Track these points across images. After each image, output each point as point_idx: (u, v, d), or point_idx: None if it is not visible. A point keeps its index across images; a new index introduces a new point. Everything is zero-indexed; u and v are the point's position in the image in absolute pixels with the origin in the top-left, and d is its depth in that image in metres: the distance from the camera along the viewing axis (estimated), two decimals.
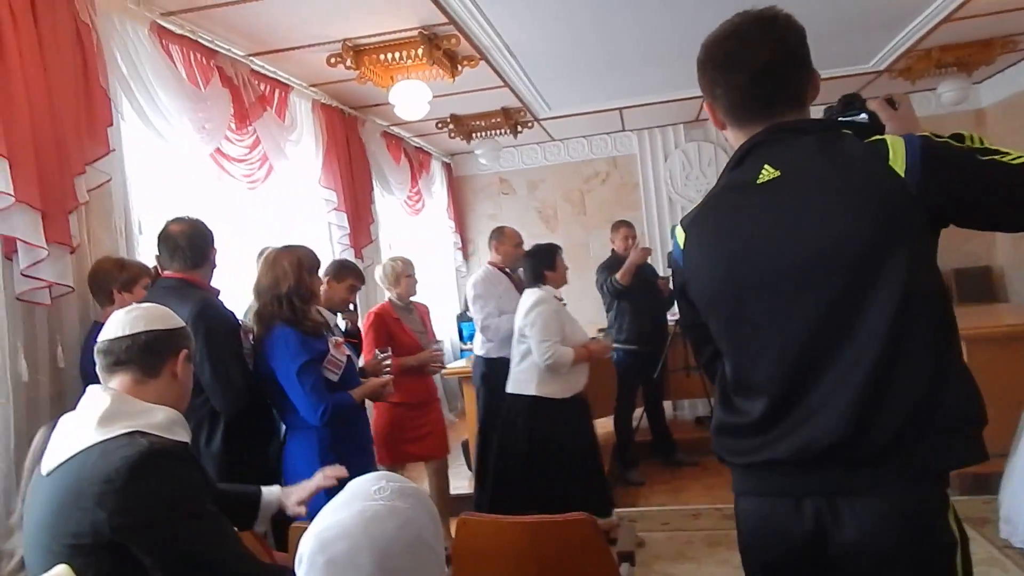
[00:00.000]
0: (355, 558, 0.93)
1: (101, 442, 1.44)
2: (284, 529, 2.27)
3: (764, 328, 1.28)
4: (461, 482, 4.76)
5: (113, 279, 2.68)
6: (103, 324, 1.64)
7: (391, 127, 6.27)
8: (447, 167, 7.97)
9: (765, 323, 1.28)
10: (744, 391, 1.34)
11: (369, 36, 4.19)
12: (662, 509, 4.28)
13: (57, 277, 2.53)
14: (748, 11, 1.33)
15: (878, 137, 1.24)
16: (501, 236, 4.54)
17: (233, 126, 3.91)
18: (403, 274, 3.98)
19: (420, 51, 4.25)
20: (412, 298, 4.11)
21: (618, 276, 4.77)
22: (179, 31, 3.54)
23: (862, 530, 1.20)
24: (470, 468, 5.04)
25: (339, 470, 2.03)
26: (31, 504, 1.50)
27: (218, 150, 3.78)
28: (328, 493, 1.29)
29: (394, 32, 4.15)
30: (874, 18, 4.72)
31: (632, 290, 4.80)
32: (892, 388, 1.18)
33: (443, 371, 4.56)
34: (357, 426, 2.85)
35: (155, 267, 2.81)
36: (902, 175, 1.18)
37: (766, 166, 1.29)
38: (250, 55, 4.17)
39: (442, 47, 4.33)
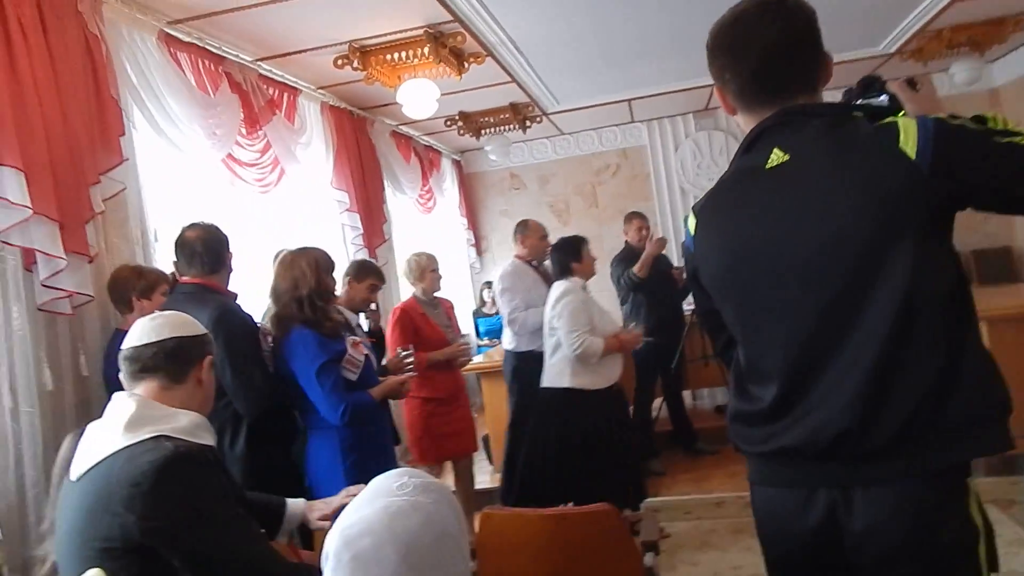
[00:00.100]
0: (380, 554, 0.93)
1: (128, 447, 1.46)
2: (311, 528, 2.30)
3: (772, 315, 1.27)
4: (483, 477, 4.78)
5: (132, 287, 2.71)
6: (124, 332, 1.66)
7: (400, 126, 6.29)
8: (457, 164, 7.98)
9: (773, 310, 1.27)
10: (756, 378, 1.33)
11: (375, 37, 4.21)
12: (685, 498, 4.27)
13: (77, 286, 2.56)
14: None
15: (890, 119, 1.21)
16: (526, 229, 4.53)
17: (243, 131, 3.93)
18: (428, 269, 3.97)
19: (426, 50, 4.26)
20: (436, 293, 4.10)
21: (635, 269, 4.74)
22: (186, 38, 3.57)
23: (877, 522, 1.18)
24: (491, 463, 5.07)
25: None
26: (61, 510, 1.52)
27: (230, 155, 3.80)
28: None
29: (400, 32, 4.15)
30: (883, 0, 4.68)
31: (648, 282, 4.78)
32: (900, 377, 1.16)
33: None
34: (377, 425, 2.86)
35: (173, 273, 2.84)
36: (913, 157, 1.15)
37: (775, 150, 1.27)
38: (258, 60, 4.20)
39: (448, 45, 4.34)
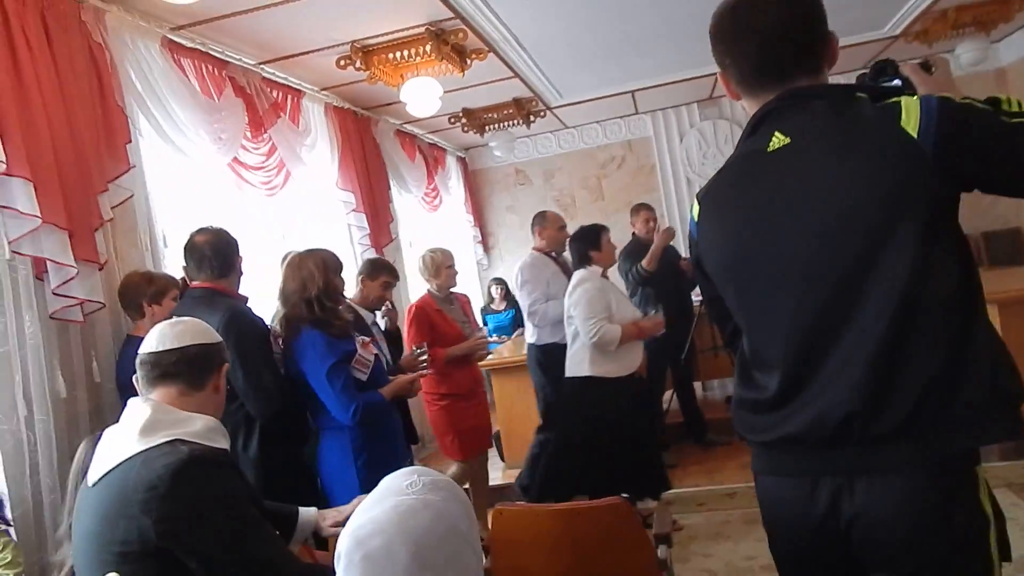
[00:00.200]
0: (391, 552, 0.94)
1: (143, 451, 1.48)
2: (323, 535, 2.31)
3: (776, 301, 1.25)
4: (495, 473, 4.78)
5: (142, 293, 2.73)
6: (137, 337, 1.68)
7: (404, 125, 6.29)
8: (462, 161, 7.98)
9: (776, 296, 1.25)
10: (760, 365, 1.31)
11: (377, 36, 4.21)
12: (697, 490, 4.27)
13: (88, 294, 2.58)
14: None
15: (893, 99, 1.19)
16: (544, 220, 4.52)
17: (249, 135, 3.94)
18: (443, 265, 3.97)
19: (428, 48, 4.26)
20: (452, 289, 4.09)
21: (644, 263, 4.72)
22: (190, 44, 3.58)
23: (882, 512, 1.16)
24: (503, 459, 5.08)
25: None
26: (79, 515, 1.54)
27: (236, 159, 3.82)
28: (364, 491, 1.31)
29: (401, 30, 4.16)
30: None
31: (657, 274, 4.76)
32: (906, 362, 1.13)
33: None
34: (388, 424, 2.88)
35: (183, 278, 2.86)
36: (915, 137, 1.12)
37: (776, 134, 1.26)
38: (261, 63, 4.21)
39: (450, 42, 4.34)
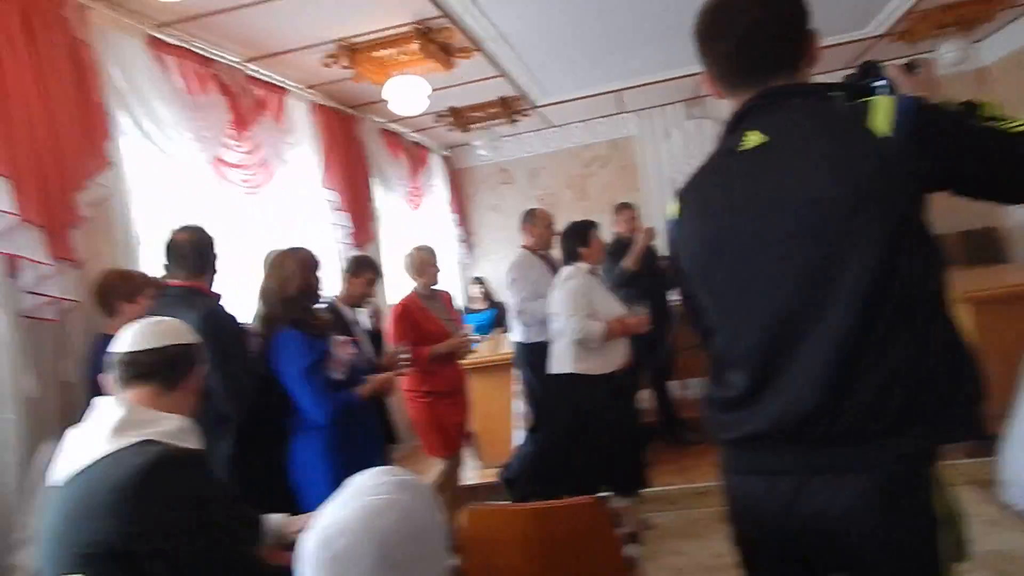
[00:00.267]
0: (358, 552, 0.94)
1: (114, 452, 1.46)
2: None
3: (746, 298, 1.26)
4: (471, 473, 4.79)
5: (118, 291, 2.71)
6: (107, 336, 1.66)
7: (389, 123, 6.27)
8: (446, 160, 7.96)
9: (746, 293, 1.26)
10: (730, 364, 1.32)
11: (363, 34, 4.19)
12: (669, 489, 4.26)
13: (63, 292, 2.56)
14: None
15: (866, 98, 1.20)
16: (533, 218, 4.52)
17: (232, 132, 3.92)
18: (428, 263, 3.97)
19: (415, 46, 4.24)
20: (435, 286, 4.09)
21: (626, 263, 4.73)
22: (174, 41, 3.55)
23: (837, 510, 1.17)
24: (479, 459, 5.07)
25: None
26: (44, 516, 1.52)
27: (218, 157, 3.79)
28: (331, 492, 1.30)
29: (388, 29, 4.14)
30: None
31: (638, 274, 4.77)
32: (868, 360, 1.14)
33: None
34: (364, 424, 2.86)
35: (158, 276, 2.84)
36: (885, 136, 1.13)
37: (754, 132, 1.27)
38: (245, 61, 4.18)
39: (436, 40, 4.33)
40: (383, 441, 3.51)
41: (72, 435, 1.56)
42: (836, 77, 1.44)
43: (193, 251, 2.65)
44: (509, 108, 6.43)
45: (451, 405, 3.93)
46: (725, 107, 1.37)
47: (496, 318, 6.78)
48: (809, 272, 1.18)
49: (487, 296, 7.33)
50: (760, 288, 1.24)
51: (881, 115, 1.14)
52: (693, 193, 1.40)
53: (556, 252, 4.42)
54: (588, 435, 3.49)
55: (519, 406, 4.84)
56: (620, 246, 4.93)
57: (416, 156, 6.92)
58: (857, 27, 5.68)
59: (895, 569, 1.17)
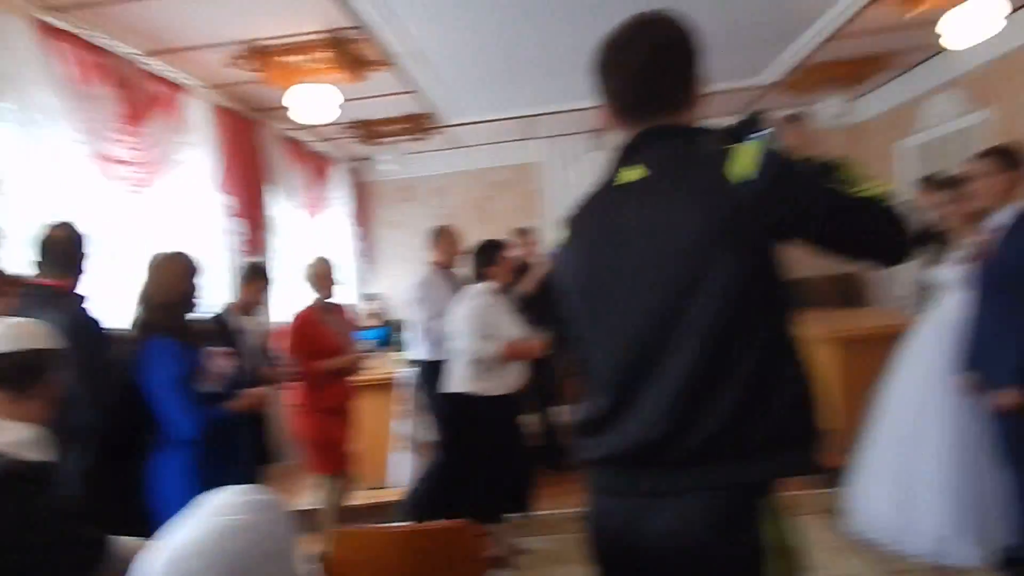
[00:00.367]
0: (208, 574, 0.91)
1: None
2: None
3: (610, 325, 1.32)
4: (352, 494, 4.63)
5: None
6: None
7: (293, 131, 6.09)
8: (351, 172, 7.82)
9: (611, 320, 1.32)
10: (595, 388, 1.38)
11: (273, 38, 4.06)
12: (546, 513, 4.22)
13: None
14: (640, 14, 1.35)
15: (733, 145, 1.27)
16: (441, 236, 4.46)
17: (121, 127, 3.69)
18: (327, 275, 3.85)
19: (326, 54, 4.15)
20: (333, 299, 3.96)
21: (523, 287, 4.77)
22: (66, 27, 3.31)
23: (673, 531, 1.23)
24: (361, 480, 4.93)
25: None
26: None
27: (103, 152, 3.56)
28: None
29: (300, 34, 4.03)
30: (765, 33, 4.97)
31: (535, 298, 4.81)
32: (710, 394, 1.20)
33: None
34: (235, 441, 2.74)
35: (25, 274, 2.63)
36: (741, 183, 1.20)
37: (636, 167, 1.33)
38: (144, 53, 3.95)
39: (350, 51, 4.25)
40: (257, 459, 3.37)
41: None
42: (733, 119, 1.52)
43: (67, 250, 2.52)
44: (418, 125, 6.39)
45: (339, 422, 3.82)
46: (621, 140, 1.42)
47: (388, 336, 6.66)
48: (666, 305, 1.24)
49: (380, 313, 7.21)
50: (623, 317, 1.29)
51: (741, 163, 1.21)
52: (576, 221, 1.44)
53: (463, 270, 4.42)
54: (480, 456, 3.48)
55: (401, 427, 4.76)
56: (519, 270, 4.97)
57: (319, 166, 6.76)
58: (751, 75, 6.05)
59: None
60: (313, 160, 6.63)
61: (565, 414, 5.96)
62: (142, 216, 4.12)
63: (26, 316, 1.68)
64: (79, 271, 2.58)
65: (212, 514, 0.98)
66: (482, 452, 3.49)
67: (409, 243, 8.11)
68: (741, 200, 1.19)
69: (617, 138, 1.41)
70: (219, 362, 2.65)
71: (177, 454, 2.53)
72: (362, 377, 4.71)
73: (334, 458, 3.79)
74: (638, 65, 1.32)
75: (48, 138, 3.17)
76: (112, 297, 3.21)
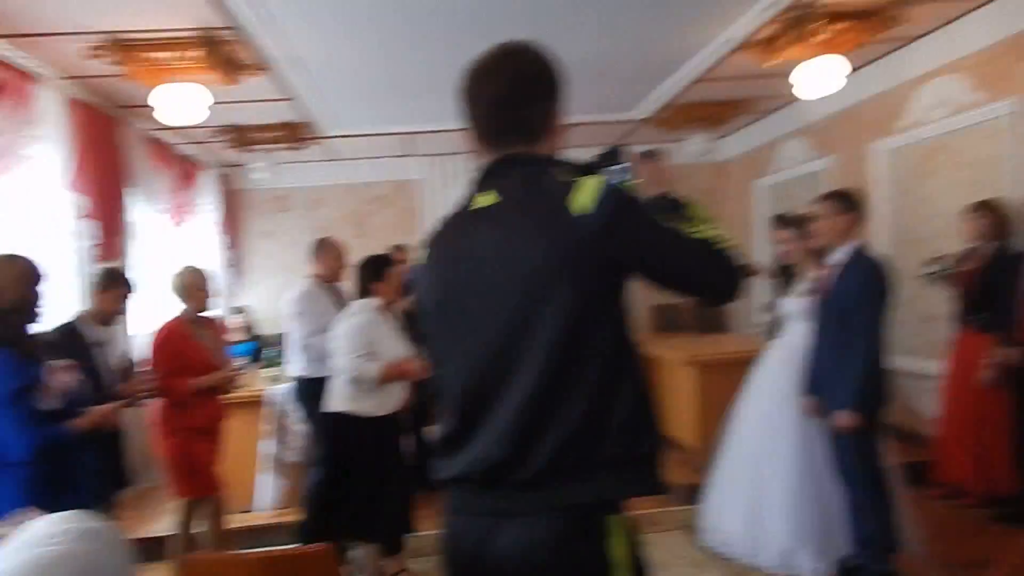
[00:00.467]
0: None
1: None
2: None
3: (460, 348, 1.35)
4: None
5: None
6: None
7: (159, 131, 5.76)
8: (221, 179, 7.48)
9: (461, 343, 1.35)
10: (448, 407, 1.40)
11: (139, 31, 3.84)
12: (423, 535, 4.06)
13: None
14: (505, 43, 1.39)
15: (577, 178, 1.32)
16: (324, 248, 4.30)
17: None
18: (198, 287, 3.59)
19: (197, 53, 3.97)
20: (205, 312, 3.71)
21: (406, 304, 4.72)
22: None
23: (519, 551, 1.26)
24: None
25: None
26: None
27: None
28: None
29: (169, 30, 3.83)
30: (638, 71, 5.22)
31: (413, 316, 4.78)
32: (549, 417, 1.25)
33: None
34: (76, 463, 2.54)
35: None
36: (582, 215, 1.25)
37: (485, 194, 1.36)
38: None
39: (223, 52, 4.09)
40: (113, 482, 3.16)
41: None
42: (596, 152, 1.59)
43: None
44: (295, 134, 6.22)
45: (207, 443, 3.61)
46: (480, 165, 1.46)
47: (256, 351, 6.38)
48: (509, 330, 1.28)
49: (248, 327, 6.91)
50: (472, 339, 1.33)
51: (583, 196, 1.25)
52: (434, 242, 1.46)
53: (346, 285, 4.32)
54: (360, 478, 3.39)
55: (268, 447, 4.59)
56: (406, 286, 4.92)
57: (186, 170, 6.42)
58: (625, 110, 6.33)
59: None
60: (180, 163, 6.30)
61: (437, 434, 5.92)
62: None
63: None
64: None
65: (30, 544, 0.90)
66: (362, 473, 3.40)
67: (282, 255, 7.86)
68: (579, 233, 1.23)
69: (479, 162, 1.43)
70: (61, 377, 2.45)
71: (9, 476, 2.34)
72: (233, 395, 4.50)
73: (198, 481, 3.56)
74: (498, 93, 1.35)
75: None
76: None
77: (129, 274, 3.49)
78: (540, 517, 1.25)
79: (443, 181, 7.85)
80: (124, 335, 3.51)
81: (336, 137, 6.55)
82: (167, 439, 3.49)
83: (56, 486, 2.38)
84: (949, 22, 4.50)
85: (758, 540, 3.49)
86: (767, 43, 4.43)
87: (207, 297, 3.66)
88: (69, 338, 3.05)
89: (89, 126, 4.61)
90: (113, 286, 3.24)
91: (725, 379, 4.25)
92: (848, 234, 3.19)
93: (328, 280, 4.27)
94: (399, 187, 8.04)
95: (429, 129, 6.47)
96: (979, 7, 4.27)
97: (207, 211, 6.99)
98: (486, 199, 1.35)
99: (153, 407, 3.53)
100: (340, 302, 4.12)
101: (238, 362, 4.18)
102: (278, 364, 4.98)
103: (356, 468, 3.39)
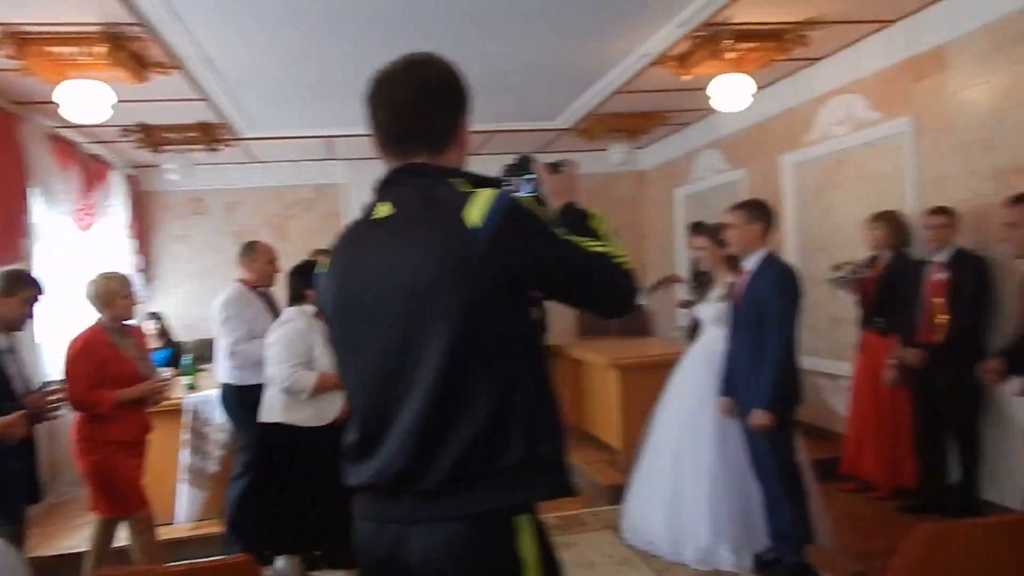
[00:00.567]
0: None
1: None
2: None
3: (359, 358, 1.35)
4: (123, 534, 4.20)
5: None
6: None
7: (61, 128, 5.46)
8: (130, 180, 7.15)
9: (360, 353, 1.35)
10: (351, 416, 1.40)
11: (38, 24, 3.63)
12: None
13: None
14: (411, 53, 1.39)
15: (473, 189, 1.31)
16: (253, 252, 4.15)
17: None
18: (118, 294, 3.40)
19: (101, 49, 3.79)
20: (126, 321, 3.53)
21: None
22: None
23: (429, 558, 1.26)
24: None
25: None
26: None
27: None
28: None
29: (71, 24, 3.64)
30: (560, 81, 5.29)
31: None
32: (448, 427, 1.25)
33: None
34: None
35: None
36: (475, 227, 1.24)
37: (385, 203, 1.36)
38: None
39: (129, 48, 3.91)
40: (25, 497, 3.02)
41: None
42: (506, 162, 1.58)
43: None
44: (210, 135, 6.02)
45: (132, 458, 3.42)
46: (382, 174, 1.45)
47: (172, 358, 6.13)
48: (401, 345, 1.28)
49: (163, 333, 6.63)
50: (369, 350, 1.33)
51: (476, 208, 1.25)
52: (336, 252, 1.45)
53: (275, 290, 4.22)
54: (293, 489, 3.30)
55: (187, 457, 4.43)
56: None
57: (92, 170, 6.11)
58: (547, 119, 6.41)
59: None
60: (86, 163, 5.99)
61: None
62: None
63: None
64: None
65: None
66: (296, 485, 3.30)
67: (197, 259, 7.59)
68: (475, 245, 1.23)
69: (381, 171, 1.42)
70: None
71: None
72: (157, 407, 4.31)
73: (121, 499, 3.37)
74: (400, 102, 1.35)
75: None
76: None
77: (35, 276, 3.29)
78: (448, 524, 1.25)
79: (364, 185, 7.64)
80: (32, 342, 3.28)
81: (254, 139, 6.38)
82: (88, 455, 3.30)
83: None
84: (849, 44, 4.75)
85: (679, 537, 3.58)
86: (682, 58, 4.57)
87: (130, 305, 3.49)
88: None
89: None
90: (17, 289, 3.05)
91: (647, 381, 4.35)
92: (759, 242, 3.32)
93: (257, 285, 4.14)
94: (321, 191, 7.89)
95: (351, 133, 6.37)
96: (877, 31, 4.52)
97: (116, 213, 6.67)
98: (382, 209, 1.35)
99: (72, 420, 3.35)
100: (271, 308, 4.01)
101: (166, 372, 4.00)
102: (194, 372, 4.80)
103: (291, 480, 3.29)
